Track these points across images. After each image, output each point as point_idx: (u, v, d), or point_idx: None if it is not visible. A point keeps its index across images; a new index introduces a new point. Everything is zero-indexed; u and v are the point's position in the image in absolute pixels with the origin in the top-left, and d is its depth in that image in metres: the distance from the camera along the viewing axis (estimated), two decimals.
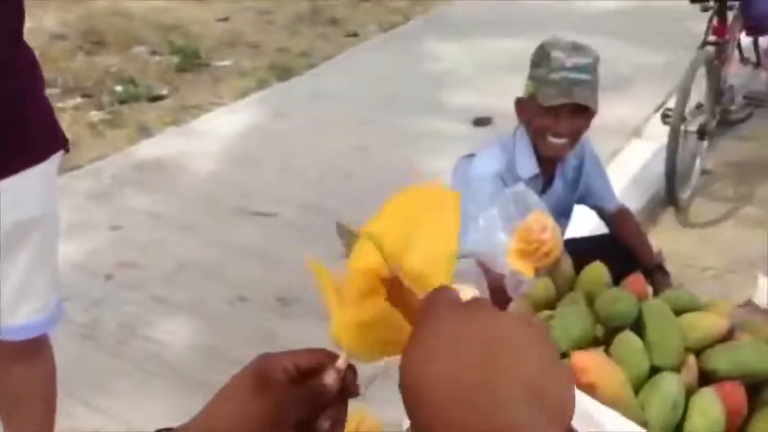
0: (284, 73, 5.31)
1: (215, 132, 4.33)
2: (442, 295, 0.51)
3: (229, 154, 4.06)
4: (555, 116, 2.02)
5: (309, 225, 3.36)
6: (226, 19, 6.60)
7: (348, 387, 0.62)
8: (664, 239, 2.68)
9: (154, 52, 5.71)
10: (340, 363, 0.61)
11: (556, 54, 2.00)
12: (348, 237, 0.66)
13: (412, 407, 0.44)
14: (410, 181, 0.67)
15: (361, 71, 5.25)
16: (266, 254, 3.15)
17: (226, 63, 5.59)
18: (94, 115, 4.53)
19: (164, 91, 4.98)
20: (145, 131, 4.36)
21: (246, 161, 3.97)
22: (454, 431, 0.41)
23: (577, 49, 2.03)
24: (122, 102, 4.74)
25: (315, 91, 4.87)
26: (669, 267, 2.33)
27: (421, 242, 0.60)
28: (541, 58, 2.05)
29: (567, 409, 0.43)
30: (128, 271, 3.03)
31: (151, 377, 2.47)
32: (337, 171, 3.81)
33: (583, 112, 2.04)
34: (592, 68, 2.02)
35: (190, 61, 5.50)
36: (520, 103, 2.14)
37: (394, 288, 0.60)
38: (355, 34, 6.17)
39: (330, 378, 0.60)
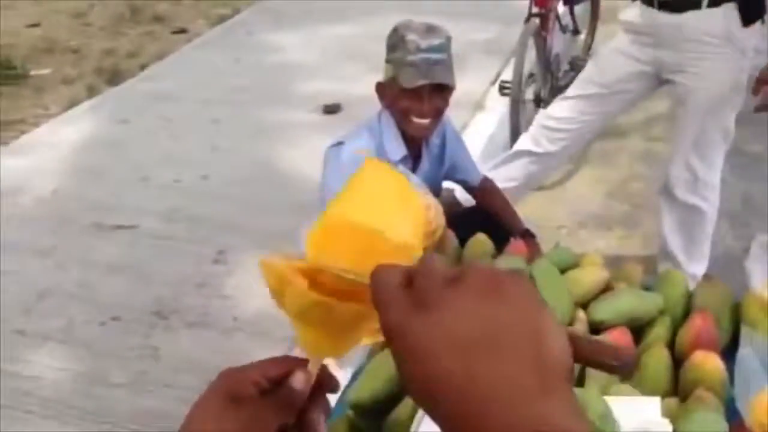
0: (114, 77, 5.04)
1: (51, 146, 4.05)
2: (387, 299, 0.47)
3: (73, 168, 3.81)
4: (417, 97, 2.08)
5: (172, 233, 3.24)
6: (37, 25, 6.16)
7: (327, 383, 0.62)
8: (517, 203, 2.84)
9: None
10: (311, 366, 0.60)
11: (411, 37, 2.05)
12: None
13: (429, 408, 0.44)
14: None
15: (198, 68, 5.08)
16: (132, 268, 3.01)
17: (45, 71, 5.24)
18: None
19: None
20: None
21: (93, 174, 3.75)
22: (476, 420, 0.41)
23: (430, 30, 2.09)
24: None
25: (153, 93, 4.67)
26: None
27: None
28: (397, 41, 2.08)
29: (563, 356, 0.43)
30: None
31: (31, 415, 2.30)
32: (193, 173, 3.68)
33: (443, 91, 2.11)
34: (446, 47, 2.09)
35: (5, 72, 5.09)
36: (380, 87, 2.17)
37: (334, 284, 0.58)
38: (183, 31, 5.96)
39: (298, 382, 0.59)
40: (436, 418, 0.43)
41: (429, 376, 0.43)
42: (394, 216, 0.59)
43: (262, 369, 0.61)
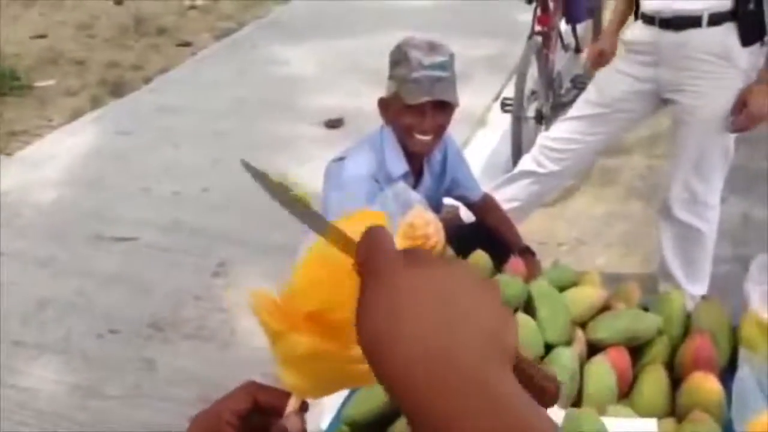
0: (118, 88, 5.06)
1: (53, 157, 4.06)
2: (384, 248, 0.48)
3: (74, 179, 3.82)
4: (419, 114, 2.08)
5: (171, 245, 3.25)
6: (43, 36, 6.19)
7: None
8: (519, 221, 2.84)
9: None
10: (294, 404, 0.60)
11: (414, 54, 2.05)
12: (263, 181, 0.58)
13: (379, 370, 0.43)
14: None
15: (202, 81, 5.11)
16: (131, 280, 3.00)
17: (49, 83, 5.26)
18: None
19: None
20: None
21: (95, 185, 3.76)
22: (432, 390, 0.41)
23: (433, 47, 2.09)
24: None
25: (156, 105, 4.69)
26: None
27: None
28: (400, 58, 2.08)
29: (515, 348, 0.46)
30: None
31: (25, 427, 2.29)
32: (194, 186, 3.69)
33: (445, 108, 2.11)
34: (449, 65, 2.09)
35: (9, 84, 5.12)
36: (383, 103, 2.17)
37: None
38: (187, 44, 5.99)
39: (294, 425, 0.59)
40: (398, 368, 0.43)
41: (409, 324, 0.43)
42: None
43: (231, 406, 0.61)
